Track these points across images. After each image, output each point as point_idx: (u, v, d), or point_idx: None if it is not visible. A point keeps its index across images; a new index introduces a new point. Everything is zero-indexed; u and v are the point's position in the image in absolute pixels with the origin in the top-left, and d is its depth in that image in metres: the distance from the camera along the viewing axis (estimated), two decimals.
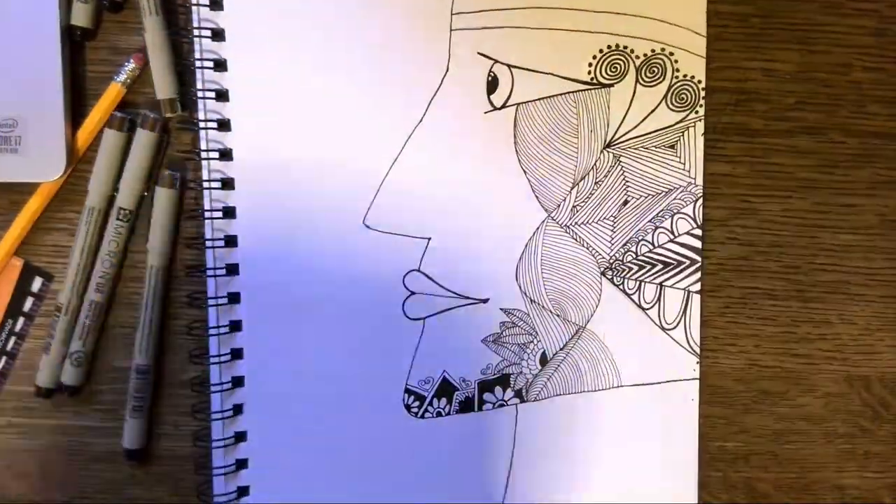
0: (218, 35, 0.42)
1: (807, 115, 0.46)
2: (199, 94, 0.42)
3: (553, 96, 0.44)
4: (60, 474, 0.46)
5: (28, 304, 0.45)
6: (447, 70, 0.43)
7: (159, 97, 0.43)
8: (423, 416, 0.46)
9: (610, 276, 0.46)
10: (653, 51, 0.44)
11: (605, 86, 0.44)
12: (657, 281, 0.46)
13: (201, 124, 0.42)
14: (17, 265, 0.44)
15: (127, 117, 0.43)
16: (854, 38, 0.46)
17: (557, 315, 0.46)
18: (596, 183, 0.45)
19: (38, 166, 0.42)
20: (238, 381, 0.44)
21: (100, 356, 0.45)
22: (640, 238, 0.46)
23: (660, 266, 0.46)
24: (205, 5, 0.42)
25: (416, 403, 0.46)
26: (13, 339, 0.45)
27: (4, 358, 0.45)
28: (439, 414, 0.46)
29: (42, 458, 0.46)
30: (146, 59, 0.43)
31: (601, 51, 0.44)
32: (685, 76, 0.45)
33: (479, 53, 0.43)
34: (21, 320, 0.45)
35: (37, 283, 0.45)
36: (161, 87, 0.42)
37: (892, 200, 0.47)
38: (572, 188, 0.45)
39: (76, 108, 0.43)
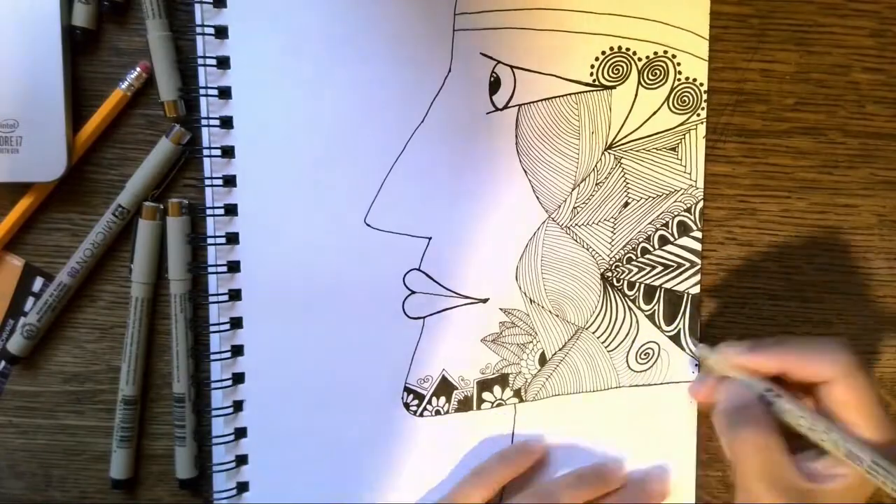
0: (221, 33, 0.42)
1: (806, 116, 0.46)
2: (202, 91, 0.42)
3: (555, 97, 0.44)
4: (60, 474, 0.46)
5: (29, 304, 0.45)
6: (449, 70, 0.43)
7: (163, 99, 0.43)
8: (421, 415, 0.46)
9: (609, 278, 0.46)
10: (655, 53, 0.44)
11: (607, 87, 0.44)
12: (657, 283, 0.46)
13: (203, 122, 0.42)
14: (19, 265, 0.44)
15: (159, 207, 0.43)
16: (853, 38, 0.46)
17: (557, 315, 0.46)
18: (597, 184, 0.45)
19: (38, 167, 0.42)
20: (239, 378, 0.44)
21: (100, 356, 0.45)
22: (640, 240, 0.46)
23: (659, 268, 0.46)
24: (208, 3, 0.41)
25: (415, 402, 0.46)
26: None
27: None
28: (438, 413, 0.46)
29: (42, 458, 0.46)
30: (152, 67, 0.42)
31: (604, 52, 0.44)
32: (687, 79, 0.45)
33: (481, 54, 0.43)
34: (22, 320, 0.45)
35: (38, 284, 0.45)
36: (164, 89, 0.42)
37: (890, 200, 0.47)
38: (573, 189, 0.45)
39: (77, 109, 0.43)
